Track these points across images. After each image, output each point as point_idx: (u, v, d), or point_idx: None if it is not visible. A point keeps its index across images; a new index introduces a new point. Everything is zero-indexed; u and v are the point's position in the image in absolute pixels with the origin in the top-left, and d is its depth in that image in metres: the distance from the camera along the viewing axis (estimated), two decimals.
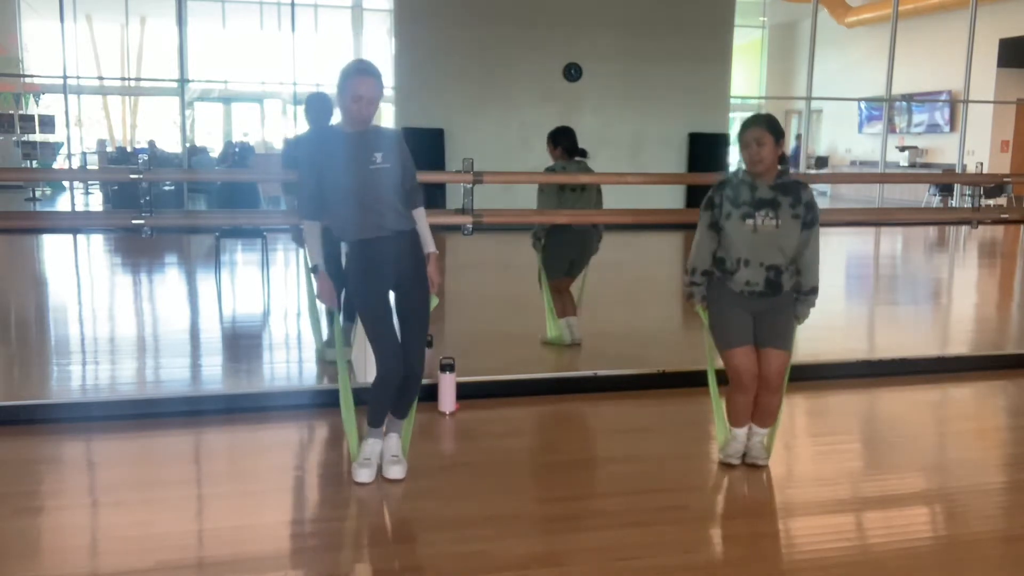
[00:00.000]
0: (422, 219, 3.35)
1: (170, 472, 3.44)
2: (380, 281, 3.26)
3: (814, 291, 3.41)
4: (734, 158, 14.41)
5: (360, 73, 3.15)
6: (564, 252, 5.21)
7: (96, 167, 16.81)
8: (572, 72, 12.97)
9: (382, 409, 3.33)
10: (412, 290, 3.30)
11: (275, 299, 7.07)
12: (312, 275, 3.43)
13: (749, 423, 3.51)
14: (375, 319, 3.26)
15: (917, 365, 5.02)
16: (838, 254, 10.42)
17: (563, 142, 5.14)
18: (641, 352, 5.28)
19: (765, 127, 3.31)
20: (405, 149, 3.31)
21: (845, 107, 19.68)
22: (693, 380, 4.44)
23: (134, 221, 4.25)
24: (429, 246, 3.35)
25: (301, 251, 5.31)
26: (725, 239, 3.37)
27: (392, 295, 3.31)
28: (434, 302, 3.42)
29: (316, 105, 4.66)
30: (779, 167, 3.38)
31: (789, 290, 3.39)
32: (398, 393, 3.31)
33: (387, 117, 14.03)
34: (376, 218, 3.18)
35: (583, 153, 5.18)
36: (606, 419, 4.24)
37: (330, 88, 4.12)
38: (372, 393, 3.32)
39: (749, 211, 3.31)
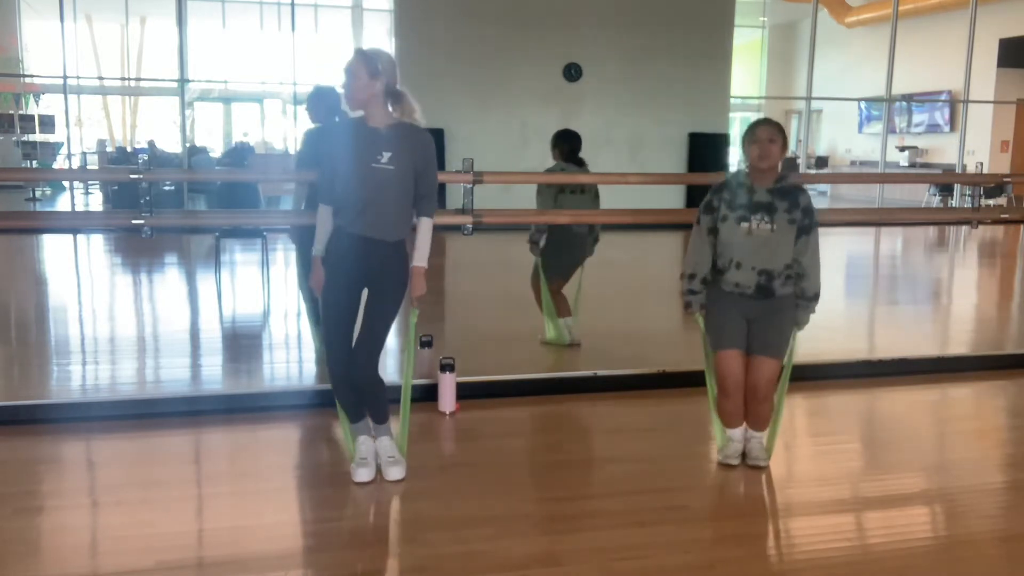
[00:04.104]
0: (425, 230, 3.25)
1: (170, 472, 3.44)
2: (348, 278, 3.20)
3: (816, 297, 3.40)
4: (734, 158, 14.42)
5: (352, 54, 3.15)
6: (564, 253, 5.20)
7: (96, 167, 16.81)
8: (572, 72, 12.96)
9: (349, 406, 3.34)
10: (377, 295, 3.23)
11: (275, 299, 7.07)
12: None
13: (743, 423, 3.52)
14: (329, 316, 3.25)
15: (917, 365, 5.02)
16: (838, 254, 10.42)
17: (561, 145, 5.14)
18: (641, 352, 5.27)
19: (779, 130, 3.36)
20: (426, 152, 3.20)
21: (845, 107, 19.68)
22: (693, 380, 4.43)
23: (134, 221, 4.25)
24: (419, 259, 3.24)
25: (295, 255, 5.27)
26: (720, 242, 3.39)
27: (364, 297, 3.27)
28: (414, 315, 3.39)
29: (322, 99, 4.59)
30: (779, 172, 3.40)
31: (785, 295, 3.37)
32: (357, 397, 3.31)
33: None
34: (370, 216, 3.13)
35: (580, 163, 5.17)
36: (606, 419, 4.23)
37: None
38: (333, 392, 3.36)
39: (745, 214, 3.33)
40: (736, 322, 3.40)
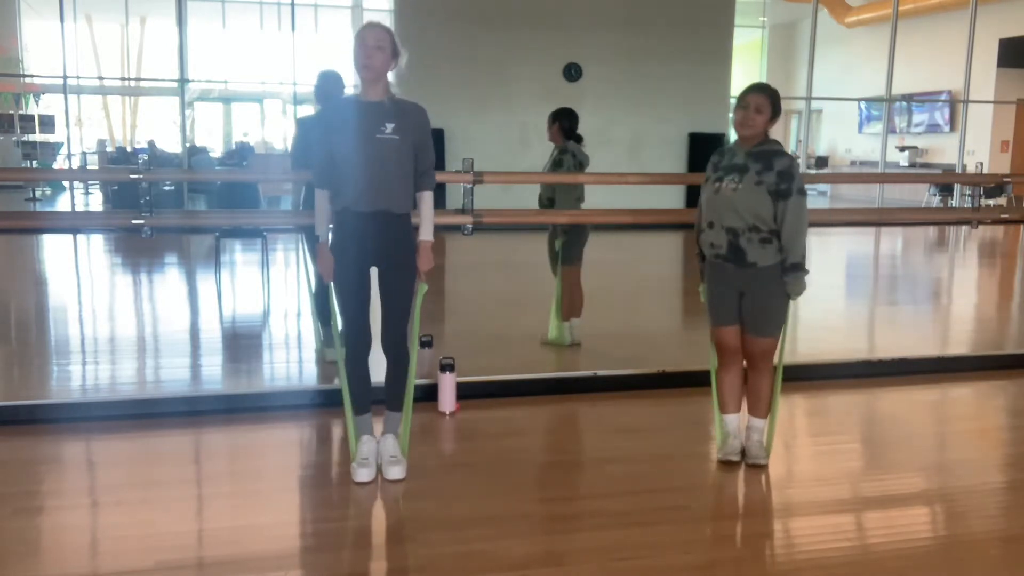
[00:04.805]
0: (427, 204, 3.32)
1: (170, 472, 3.44)
2: (358, 255, 3.22)
3: (796, 267, 3.32)
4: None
5: (365, 26, 3.19)
6: (582, 234, 5.24)
7: (96, 167, 16.81)
8: (572, 72, 12.96)
9: (359, 393, 3.34)
10: (393, 271, 3.26)
11: (275, 299, 7.07)
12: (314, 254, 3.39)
13: (738, 411, 3.54)
14: (345, 292, 3.27)
15: (917, 365, 5.02)
16: (838, 254, 10.42)
17: (561, 119, 5.15)
18: (641, 352, 5.27)
19: (769, 97, 3.34)
20: (424, 127, 3.28)
21: (845, 107, 19.68)
22: (693, 380, 4.44)
23: (134, 221, 4.25)
24: (425, 233, 3.29)
25: (301, 249, 5.31)
26: (700, 203, 3.49)
27: (376, 275, 3.29)
28: (423, 289, 3.40)
29: (329, 83, 4.58)
30: (766, 137, 3.38)
31: (767, 266, 3.33)
32: (366, 386, 3.33)
33: None
34: (376, 190, 3.15)
35: (579, 139, 5.19)
36: (606, 419, 4.23)
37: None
38: (346, 371, 3.34)
39: (720, 175, 3.38)
40: (728, 298, 3.43)
